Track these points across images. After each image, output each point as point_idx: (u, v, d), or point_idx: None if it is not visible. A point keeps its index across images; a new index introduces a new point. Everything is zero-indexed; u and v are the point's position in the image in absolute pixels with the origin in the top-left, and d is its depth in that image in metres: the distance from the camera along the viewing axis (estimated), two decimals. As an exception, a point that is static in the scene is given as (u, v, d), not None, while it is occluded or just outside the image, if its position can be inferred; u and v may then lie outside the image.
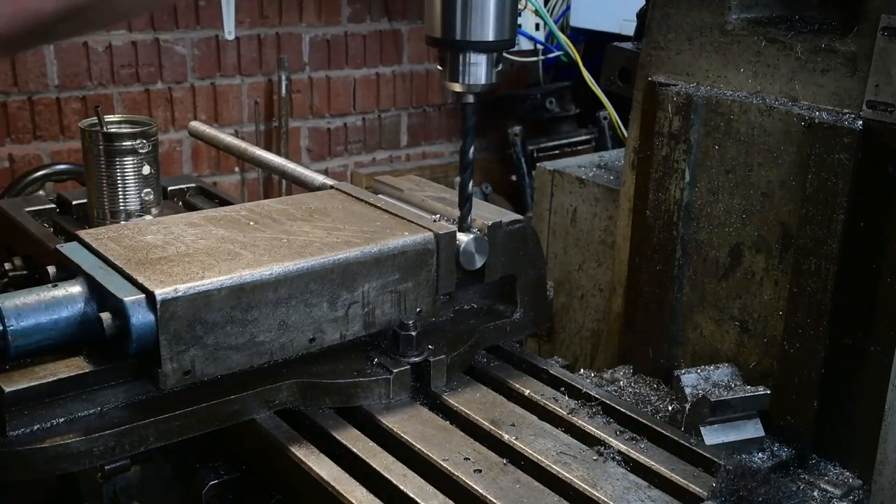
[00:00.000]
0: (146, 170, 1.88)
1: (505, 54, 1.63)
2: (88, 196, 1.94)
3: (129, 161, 1.86)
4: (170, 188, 2.23)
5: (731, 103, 1.77)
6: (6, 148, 4.27)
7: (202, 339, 1.38)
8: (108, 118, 1.94)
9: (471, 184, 1.65)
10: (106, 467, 1.33)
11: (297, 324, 1.47)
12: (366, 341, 1.57)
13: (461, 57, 1.54)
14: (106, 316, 1.33)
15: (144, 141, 1.87)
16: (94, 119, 1.92)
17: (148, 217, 1.90)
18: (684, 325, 1.92)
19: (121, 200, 1.88)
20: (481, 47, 1.53)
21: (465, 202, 1.65)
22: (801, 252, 1.66)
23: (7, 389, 1.27)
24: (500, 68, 1.59)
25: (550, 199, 2.44)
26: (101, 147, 1.85)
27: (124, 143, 1.86)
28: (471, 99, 1.59)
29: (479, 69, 1.55)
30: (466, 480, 1.33)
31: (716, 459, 1.42)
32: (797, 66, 1.71)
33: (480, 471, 1.35)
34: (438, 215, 1.72)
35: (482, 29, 1.51)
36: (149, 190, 1.90)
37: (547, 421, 1.51)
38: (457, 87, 1.57)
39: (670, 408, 1.75)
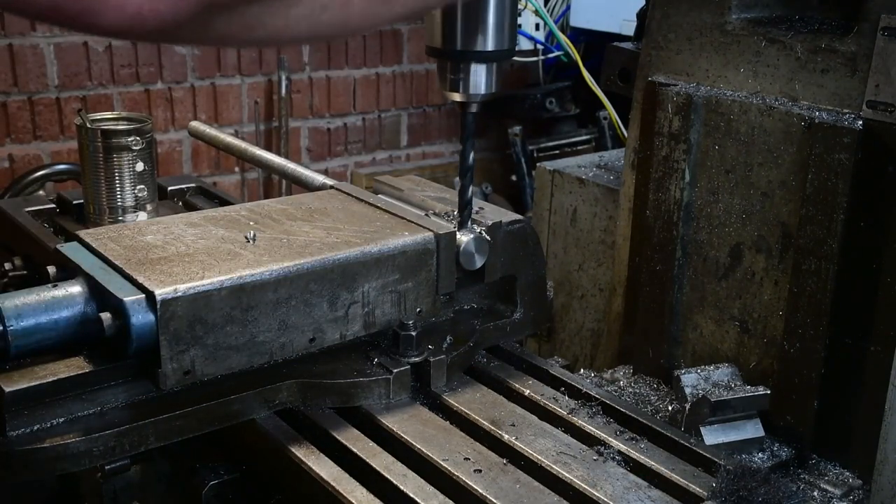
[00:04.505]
0: (140, 166, 1.89)
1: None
2: (84, 192, 1.95)
3: (124, 157, 1.88)
4: (170, 188, 2.23)
5: (731, 103, 1.77)
6: (6, 148, 4.27)
7: (202, 339, 1.38)
8: (105, 115, 1.96)
9: (470, 190, 1.65)
10: (106, 467, 1.33)
11: (297, 324, 1.47)
12: (366, 341, 1.57)
13: (461, 67, 1.54)
14: (106, 316, 1.33)
15: (139, 138, 1.88)
16: (90, 115, 1.93)
17: (143, 214, 1.91)
18: (684, 325, 1.92)
19: (116, 196, 1.89)
20: (481, 57, 1.53)
21: (464, 207, 1.65)
22: (801, 252, 1.66)
23: (7, 389, 1.27)
24: (501, 76, 1.59)
25: (550, 199, 2.44)
26: (97, 143, 1.87)
27: (118, 140, 1.87)
28: (472, 108, 1.60)
29: (478, 79, 1.55)
30: (466, 480, 1.33)
31: (716, 459, 1.42)
32: (797, 66, 1.71)
33: (480, 471, 1.35)
34: (446, 215, 1.72)
35: (482, 39, 1.51)
36: (143, 186, 1.91)
37: (547, 421, 1.51)
38: (457, 97, 1.57)
39: (670, 408, 1.75)
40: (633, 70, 2.08)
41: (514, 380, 1.63)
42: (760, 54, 1.76)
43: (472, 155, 1.64)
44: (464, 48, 1.52)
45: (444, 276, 1.62)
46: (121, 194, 1.90)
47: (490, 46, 1.52)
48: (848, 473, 1.68)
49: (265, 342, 1.45)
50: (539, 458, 1.39)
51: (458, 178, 1.69)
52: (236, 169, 4.89)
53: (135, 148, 1.88)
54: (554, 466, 1.37)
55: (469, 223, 1.66)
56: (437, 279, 1.62)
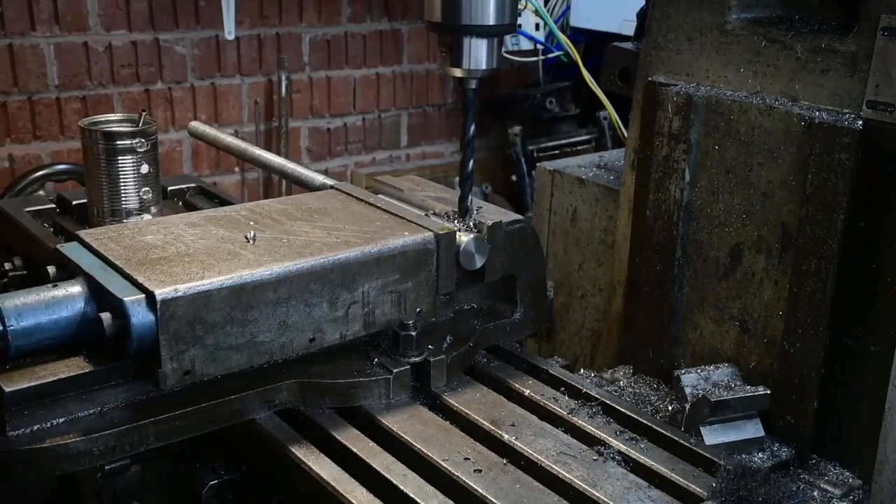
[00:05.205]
0: (145, 168, 1.89)
1: (505, 54, 1.63)
2: (88, 195, 1.94)
3: (129, 160, 1.87)
4: (170, 188, 2.23)
5: (731, 103, 1.77)
6: (6, 148, 4.27)
7: (202, 339, 1.38)
8: (108, 117, 1.95)
9: (470, 198, 1.64)
10: (106, 467, 1.33)
11: (297, 324, 1.47)
12: (366, 341, 1.57)
13: (462, 42, 1.53)
14: (106, 316, 1.33)
15: (143, 140, 1.87)
16: (94, 118, 1.93)
17: (147, 216, 1.90)
18: (684, 325, 1.92)
19: (120, 199, 1.88)
20: (482, 31, 1.52)
21: (465, 213, 1.65)
22: (801, 252, 1.66)
23: (7, 389, 1.27)
24: (501, 52, 1.57)
25: (550, 199, 2.44)
26: (100, 146, 1.86)
27: (123, 142, 1.86)
28: (472, 84, 1.58)
29: (479, 54, 1.54)
30: (466, 480, 1.33)
31: (716, 459, 1.42)
32: (797, 66, 1.71)
33: (480, 471, 1.35)
34: (446, 215, 1.72)
35: (483, 13, 1.50)
36: (147, 189, 1.90)
37: (547, 421, 1.51)
38: (457, 73, 1.56)
39: (670, 408, 1.75)
40: (633, 70, 2.08)
41: (514, 380, 1.63)
42: (760, 54, 1.76)
43: (472, 158, 1.63)
44: (464, 22, 1.51)
45: (444, 276, 1.62)
46: (126, 197, 1.89)
47: (491, 20, 1.51)
48: (848, 473, 1.68)
49: (265, 342, 1.45)
50: (539, 458, 1.39)
51: (458, 179, 1.69)
52: (236, 169, 4.88)
53: (139, 150, 1.88)
54: (554, 466, 1.37)
55: (470, 199, 1.65)
56: (437, 279, 1.62)
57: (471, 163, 1.65)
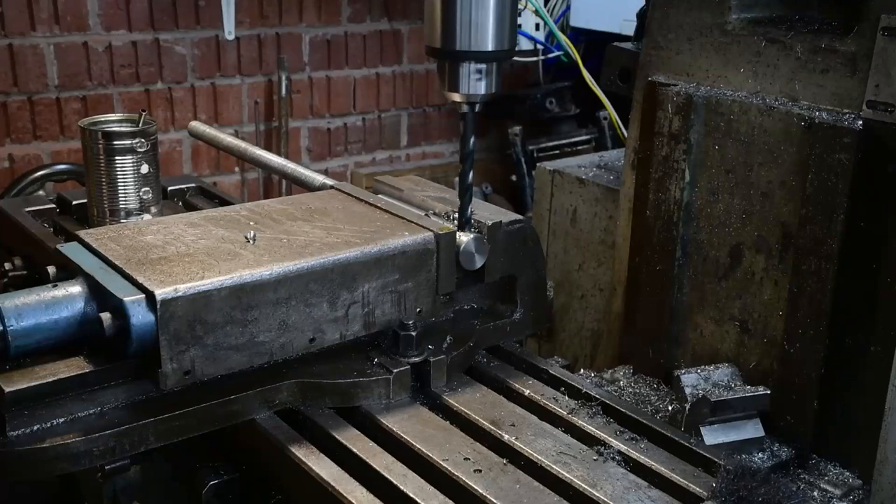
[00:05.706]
0: (145, 168, 1.89)
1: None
2: (88, 195, 1.94)
3: (128, 160, 1.87)
4: (170, 188, 2.23)
5: (731, 103, 1.77)
6: (6, 148, 4.27)
7: (202, 339, 1.38)
8: (108, 117, 1.95)
9: (470, 175, 1.64)
10: (106, 467, 1.33)
11: (297, 324, 1.47)
12: (366, 341, 1.57)
13: (460, 67, 1.54)
14: (106, 316, 1.33)
15: (143, 140, 1.87)
16: (94, 118, 1.93)
17: (147, 216, 1.90)
18: (684, 325, 1.92)
19: (120, 199, 1.89)
20: (480, 57, 1.53)
21: (464, 224, 1.65)
22: (801, 252, 1.66)
23: (7, 389, 1.27)
24: (500, 77, 1.59)
25: (550, 199, 2.44)
26: (100, 146, 1.86)
27: (123, 142, 1.86)
28: (471, 108, 1.59)
29: (478, 79, 1.55)
30: (466, 480, 1.33)
31: (716, 459, 1.42)
32: (797, 66, 1.71)
33: (480, 471, 1.35)
34: (446, 215, 1.72)
35: (481, 39, 1.51)
36: (147, 189, 1.90)
37: (547, 421, 1.51)
38: (456, 98, 1.58)
39: (670, 408, 1.75)
40: (633, 70, 2.08)
41: (514, 380, 1.63)
42: (760, 54, 1.76)
43: (472, 139, 1.63)
44: (463, 48, 1.52)
45: (444, 276, 1.62)
46: (126, 197, 1.89)
47: (490, 46, 1.52)
48: (848, 473, 1.68)
49: (265, 342, 1.45)
50: (539, 458, 1.39)
51: (457, 179, 1.69)
52: (236, 169, 4.88)
53: (139, 150, 1.88)
54: (554, 466, 1.37)
55: (469, 211, 1.65)
56: (437, 279, 1.62)
57: (471, 150, 1.64)
